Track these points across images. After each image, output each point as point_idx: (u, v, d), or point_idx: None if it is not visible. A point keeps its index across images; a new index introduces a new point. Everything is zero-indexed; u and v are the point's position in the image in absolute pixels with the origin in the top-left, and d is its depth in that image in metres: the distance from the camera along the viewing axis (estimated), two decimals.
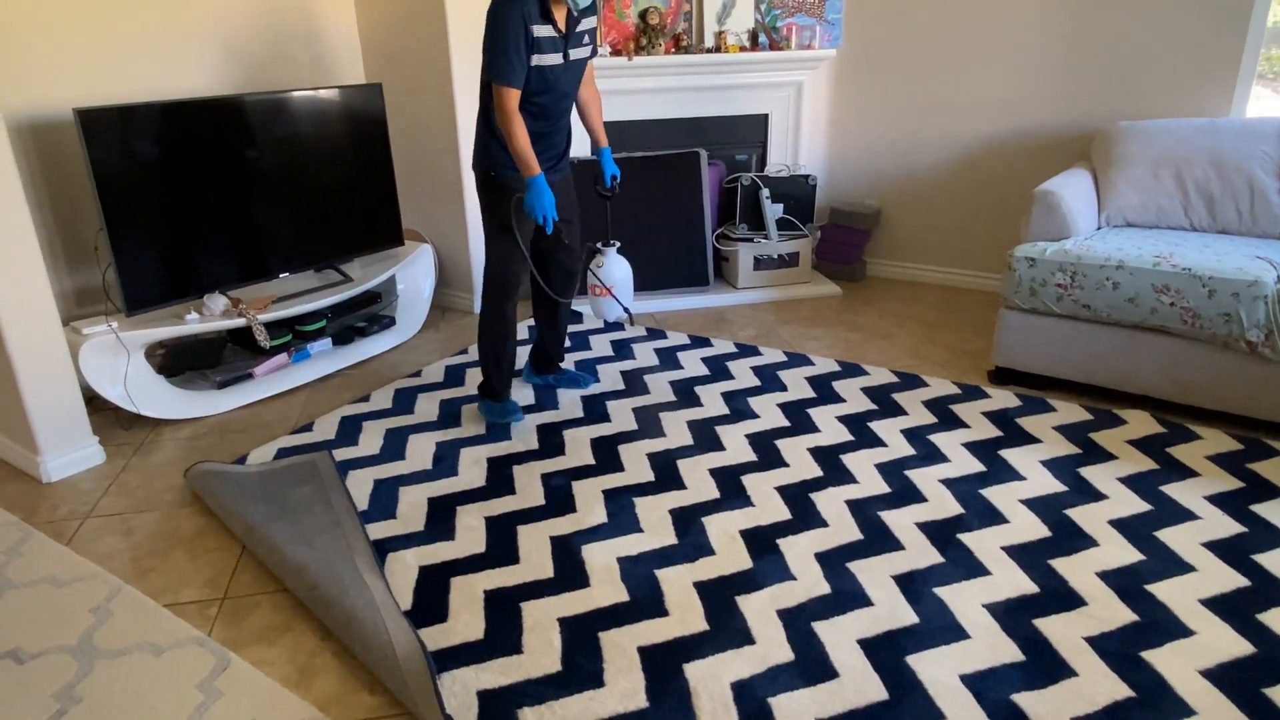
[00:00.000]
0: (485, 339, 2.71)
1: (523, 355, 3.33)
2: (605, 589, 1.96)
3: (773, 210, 3.99)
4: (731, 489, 2.37)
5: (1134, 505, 2.25)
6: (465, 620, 1.87)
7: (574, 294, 2.88)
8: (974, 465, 2.46)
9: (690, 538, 2.15)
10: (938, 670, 1.69)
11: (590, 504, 2.31)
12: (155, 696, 1.69)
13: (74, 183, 2.90)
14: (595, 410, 2.88)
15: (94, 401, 2.84)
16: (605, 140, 2.75)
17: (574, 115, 3.04)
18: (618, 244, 2.79)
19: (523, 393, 3.04)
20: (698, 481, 2.41)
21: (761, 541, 2.13)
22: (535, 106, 2.45)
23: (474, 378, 3.18)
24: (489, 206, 2.58)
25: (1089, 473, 2.41)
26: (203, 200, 2.93)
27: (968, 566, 2.01)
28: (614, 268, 2.73)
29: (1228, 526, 2.14)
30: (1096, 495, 2.30)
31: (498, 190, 2.54)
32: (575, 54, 2.47)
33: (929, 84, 3.95)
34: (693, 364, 3.26)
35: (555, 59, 2.41)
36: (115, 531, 2.29)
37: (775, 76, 4.09)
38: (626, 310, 3.18)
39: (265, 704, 1.66)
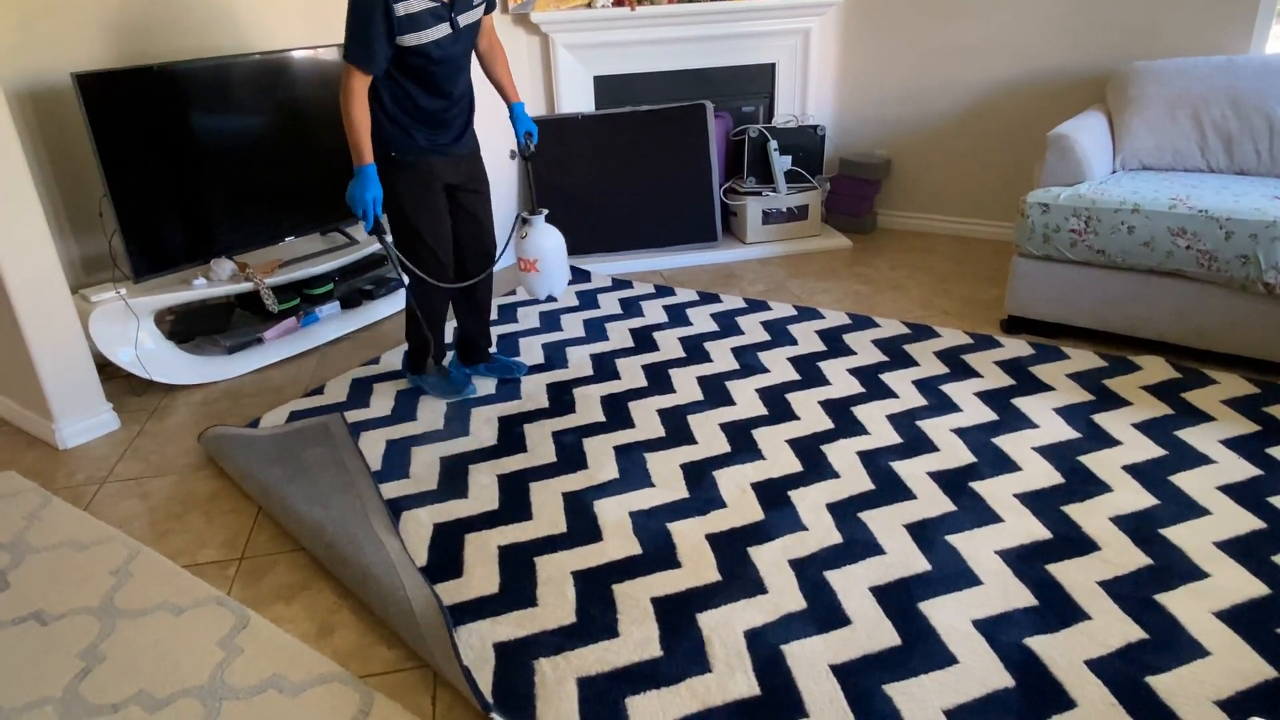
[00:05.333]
0: (416, 324, 2.57)
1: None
2: (618, 542, 1.97)
3: (781, 162, 3.93)
4: (742, 443, 2.37)
5: (1148, 450, 2.23)
6: (480, 575, 1.89)
7: (492, 265, 2.65)
8: (986, 414, 2.45)
9: (702, 491, 2.15)
10: (950, 616, 1.70)
11: (601, 460, 2.32)
12: (177, 654, 1.72)
13: (75, 149, 2.88)
14: (605, 368, 2.88)
15: (106, 369, 2.85)
16: (516, 94, 2.51)
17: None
18: (545, 211, 2.51)
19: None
20: (708, 436, 2.41)
21: (773, 493, 2.13)
22: (426, 84, 2.26)
23: None
24: (393, 192, 2.35)
25: (1103, 419, 2.39)
26: (206, 164, 2.91)
27: (980, 514, 2.01)
28: (543, 239, 2.46)
29: (1243, 470, 2.13)
30: (1110, 441, 2.28)
31: (401, 171, 2.34)
32: (466, 19, 2.24)
33: (939, 28, 3.86)
34: (702, 320, 3.24)
35: (440, 31, 2.18)
36: (132, 495, 2.31)
37: (782, 24, 4.00)
38: (551, 296, 2.83)
39: (285, 660, 1.69)
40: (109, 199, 2.68)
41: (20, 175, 2.35)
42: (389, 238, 2.40)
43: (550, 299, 2.66)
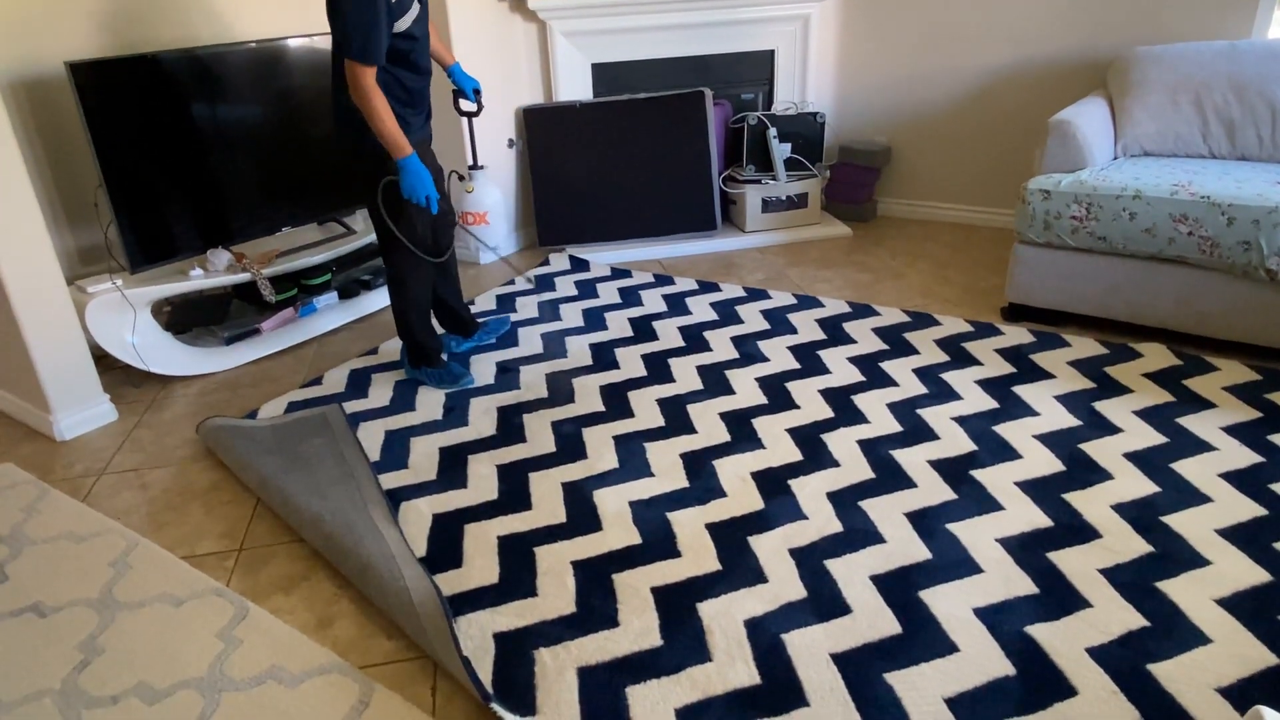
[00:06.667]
0: (410, 311, 2.60)
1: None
2: (618, 532, 1.97)
3: (780, 150, 3.91)
4: (742, 432, 2.36)
5: (1149, 438, 2.23)
6: (480, 565, 1.88)
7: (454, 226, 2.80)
8: (987, 402, 2.44)
9: (701, 480, 2.15)
10: (951, 604, 1.69)
11: (601, 450, 2.31)
12: (176, 646, 1.71)
13: (70, 139, 2.86)
14: (604, 358, 2.87)
15: (104, 360, 2.84)
16: (452, 56, 2.61)
17: None
18: (485, 166, 2.67)
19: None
20: (708, 425, 2.40)
21: (773, 483, 2.12)
22: (410, 64, 2.32)
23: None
24: (395, 192, 2.41)
25: (1104, 407, 2.39)
26: (202, 154, 2.89)
27: (981, 502, 2.00)
28: (486, 193, 2.63)
29: (1245, 457, 2.12)
30: (1111, 429, 2.28)
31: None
32: None
33: (939, 13, 3.83)
34: (701, 309, 3.23)
35: (415, 9, 2.26)
36: (131, 487, 2.31)
37: (781, 9, 3.97)
38: (499, 253, 2.99)
39: (285, 650, 1.68)
40: (104, 189, 2.66)
41: (14, 166, 2.33)
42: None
43: (495, 249, 2.81)
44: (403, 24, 2.21)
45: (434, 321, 2.76)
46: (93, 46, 2.88)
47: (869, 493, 2.06)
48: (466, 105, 2.59)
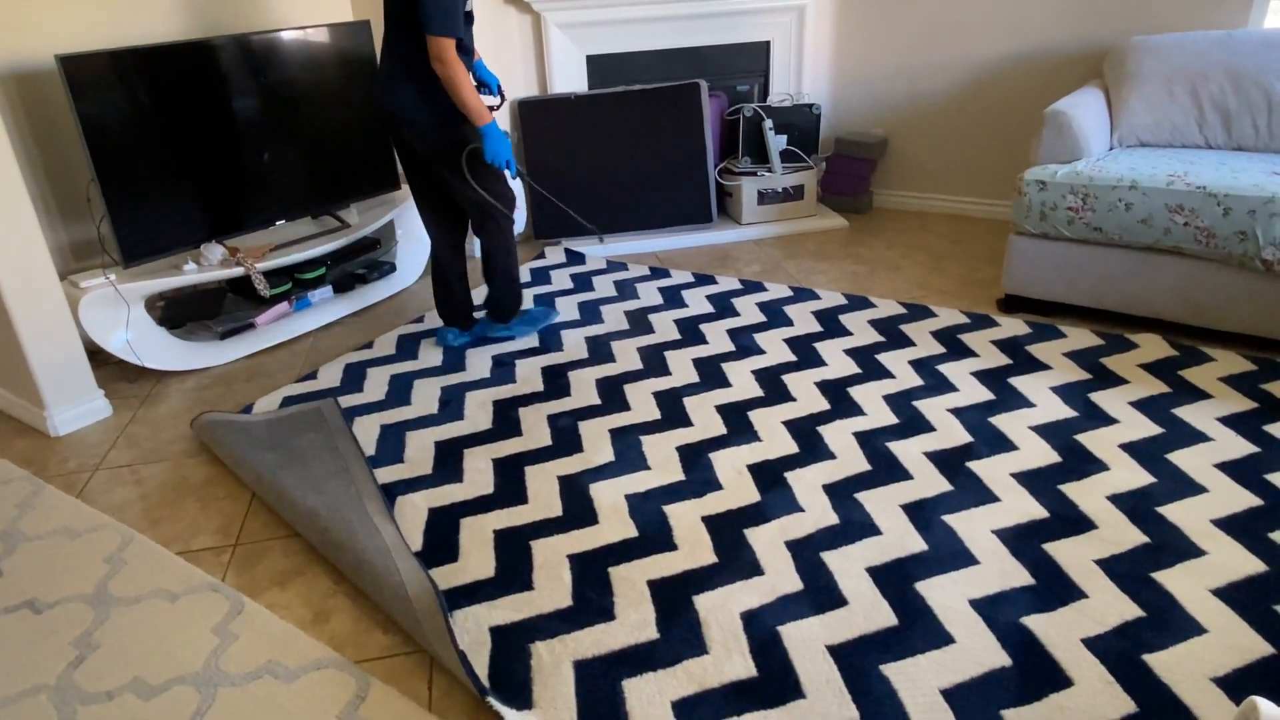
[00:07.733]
0: (515, 265, 2.82)
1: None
2: (614, 525, 1.96)
3: (776, 142, 3.90)
4: (738, 425, 2.36)
5: (1145, 429, 2.23)
6: (476, 559, 1.88)
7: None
8: (983, 394, 2.44)
9: (698, 473, 2.14)
10: (947, 596, 1.69)
11: (597, 443, 2.31)
12: (172, 641, 1.71)
13: (61, 133, 2.84)
14: (601, 351, 2.86)
15: (98, 355, 2.83)
16: (476, 52, 2.69)
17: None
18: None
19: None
20: (704, 418, 2.40)
21: (769, 475, 2.12)
22: (465, 46, 2.43)
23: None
24: (479, 150, 2.53)
25: (1100, 398, 2.39)
26: (195, 147, 2.87)
27: (977, 494, 2.00)
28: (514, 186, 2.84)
29: (1240, 447, 2.12)
30: (1107, 420, 2.28)
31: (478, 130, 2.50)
32: None
33: (936, 4, 3.82)
34: (697, 302, 3.22)
35: None
36: (125, 482, 2.30)
37: (777, 0, 3.95)
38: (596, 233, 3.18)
39: (280, 645, 1.68)
40: (96, 184, 2.64)
41: (6, 160, 2.31)
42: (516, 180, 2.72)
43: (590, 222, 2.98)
44: (470, 3, 2.38)
45: (435, 310, 2.86)
46: (87, 39, 2.86)
47: (865, 485, 2.06)
48: (487, 100, 2.66)
